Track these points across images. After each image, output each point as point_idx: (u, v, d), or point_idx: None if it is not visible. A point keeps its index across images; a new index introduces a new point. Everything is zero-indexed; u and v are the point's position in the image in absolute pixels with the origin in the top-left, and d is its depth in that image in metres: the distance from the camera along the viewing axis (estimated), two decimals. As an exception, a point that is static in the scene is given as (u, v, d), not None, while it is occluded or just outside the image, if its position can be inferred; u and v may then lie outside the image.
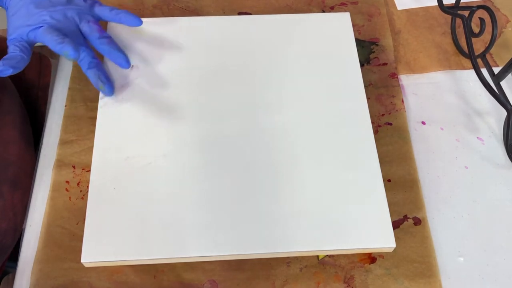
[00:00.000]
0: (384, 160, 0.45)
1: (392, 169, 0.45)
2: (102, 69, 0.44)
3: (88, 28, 0.43)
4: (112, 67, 0.46)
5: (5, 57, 0.39)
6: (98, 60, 0.44)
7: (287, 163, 0.41)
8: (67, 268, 0.40)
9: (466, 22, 0.49)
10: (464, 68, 0.52)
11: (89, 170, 0.43)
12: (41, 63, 0.57)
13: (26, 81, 0.54)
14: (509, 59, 0.47)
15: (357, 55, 0.47)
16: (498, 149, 0.47)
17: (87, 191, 0.42)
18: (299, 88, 0.45)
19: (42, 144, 0.46)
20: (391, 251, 0.41)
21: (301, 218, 0.39)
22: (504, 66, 0.47)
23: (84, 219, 0.39)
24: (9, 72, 0.38)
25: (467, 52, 0.50)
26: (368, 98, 0.47)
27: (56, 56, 0.56)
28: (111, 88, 0.43)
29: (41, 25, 0.41)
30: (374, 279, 0.40)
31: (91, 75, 0.43)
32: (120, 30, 0.48)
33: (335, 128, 0.43)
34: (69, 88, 0.48)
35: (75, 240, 0.41)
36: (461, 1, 0.53)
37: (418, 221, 0.43)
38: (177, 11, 0.54)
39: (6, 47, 0.41)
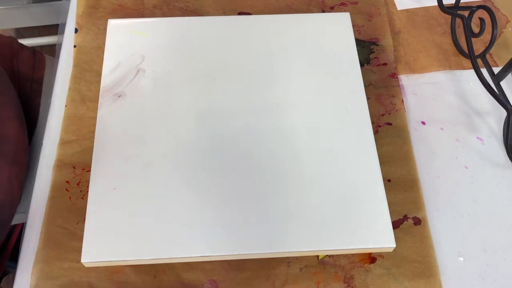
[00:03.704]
0: (384, 160, 0.45)
1: (392, 169, 0.45)
2: None
3: None
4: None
5: None
6: None
7: (286, 163, 0.41)
8: (67, 268, 0.40)
9: (466, 22, 0.49)
10: (464, 68, 0.52)
11: (89, 170, 0.43)
12: (35, 57, 0.57)
13: (20, 74, 0.55)
14: (509, 59, 0.47)
15: (357, 55, 0.47)
16: (498, 149, 0.47)
17: (87, 191, 0.42)
18: (299, 88, 0.45)
19: (42, 144, 0.46)
20: (391, 251, 0.41)
21: (301, 218, 0.39)
22: (504, 66, 0.47)
23: (84, 219, 0.39)
24: None
25: (467, 52, 0.50)
26: (368, 98, 0.47)
27: (52, 53, 0.56)
28: None
29: None
30: (374, 279, 0.40)
31: None
32: (119, 29, 0.48)
33: (335, 128, 0.43)
34: (69, 88, 0.48)
35: (75, 240, 0.41)
36: (461, 1, 0.53)
37: (418, 221, 0.43)
38: (177, 11, 0.54)
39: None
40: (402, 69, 0.51)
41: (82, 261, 0.37)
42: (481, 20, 0.48)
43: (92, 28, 0.51)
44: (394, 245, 0.39)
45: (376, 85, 0.50)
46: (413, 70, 0.51)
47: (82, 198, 0.43)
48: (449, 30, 0.54)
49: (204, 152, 0.42)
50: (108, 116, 0.43)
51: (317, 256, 0.41)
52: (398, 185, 0.44)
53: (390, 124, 0.47)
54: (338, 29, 0.49)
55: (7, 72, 0.51)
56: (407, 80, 0.51)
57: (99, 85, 0.45)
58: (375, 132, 0.47)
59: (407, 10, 0.55)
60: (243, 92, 0.45)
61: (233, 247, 0.38)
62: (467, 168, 0.46)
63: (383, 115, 0.48)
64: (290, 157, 0.42)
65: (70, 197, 0.43)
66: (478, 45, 0.52)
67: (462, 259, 0.42)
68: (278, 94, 0.45)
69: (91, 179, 0.40)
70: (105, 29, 0.50)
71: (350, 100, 0.45)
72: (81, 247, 0.38)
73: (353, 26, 0.51)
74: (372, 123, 0.47)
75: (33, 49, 0.58)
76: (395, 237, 0.39)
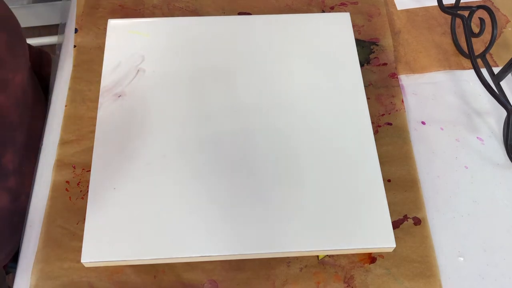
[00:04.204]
0: (384, 160, 0.45)
1: (392, 169, 0.45)
2: None
3: None
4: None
5: None
6: None
7: (287, 163, 0.41)
8: (67, 268, 0.40)
9: (466, 22, 0.49)
10: (464, 68, 0.52)
11: (89, 170, 0.43)
12: (41, 56, 0.58)
13: None
14: (509, 59, 0.47)
15: (357, 55, 0.48)
16: (498, 149, 0.47)
17: (87, 191, 0.42)
18: (299, 88, 0.45)
19: (42, 144, 0.46)
20: (391, 251, 0.41)
21: (301, 218, 0.39)
22: (504, 66, 0.47)
23: (84, 219, 0.39)
24: None
25: (467, 52, 0.50)
26: (368, 98, 0.47)
27: (52, 53, 0.57)
28: None
29: None
30: (374, 279, 0.40)
31: None
32: (119, 29, 0.48)
33: (335, 128, 0.43)
34: (69, 88, 0.48)
35: (75, 240, 0.41)
36: (461, 1, 0.53)
37: (418, 221, 0.43)
38: (177, 11, 0.54)
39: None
40: (402, 69, 0.51)
41: (82, 261, 0.37)
42: (481, 20, 0.48)
43: (92, 28, 0.51)
44: (394, 245, 0.39)
45: (376, 85, 0.50)
46: (413, 70, 0.51)
47: (82, 198, 0.43)
48: (449, 30, 0.54)
49: (203, 152, 0.42)
50: (108, 116, 0.43)
51: (317, 256, 0.41)
52: (398, 185, 0.44)
53: (390, 124, 0.47)
54: (338, 29, 0.49)
55: None
56: (407, 80, 0.51)
57: (99, 85, 0.45)
58: (375, 132, 0.47)
59: (407, 10, 0.55)
60: (243, 92, 0.45)
61: (233, 247, 0.38)
62: (467, 168, 0.46)
63: (383, 115, 0.48)
64: (290, 157, 0.42)
65: (70, 197, 0.43)
66: (478, 45, 0.52)
67: (462, 259, 0.42)
68: (278, 94, 0.45)
69: (91, 179, 0.40)
70: (105, 29, 0.50)
71: (350, 100, 0.45)
72: (81, 247, 0.38)
73: (353, 26, 0.51)
74: (372, 123, 0.47)
75: (39, 49, 0.59)
76: (395, 237, 0.39)
